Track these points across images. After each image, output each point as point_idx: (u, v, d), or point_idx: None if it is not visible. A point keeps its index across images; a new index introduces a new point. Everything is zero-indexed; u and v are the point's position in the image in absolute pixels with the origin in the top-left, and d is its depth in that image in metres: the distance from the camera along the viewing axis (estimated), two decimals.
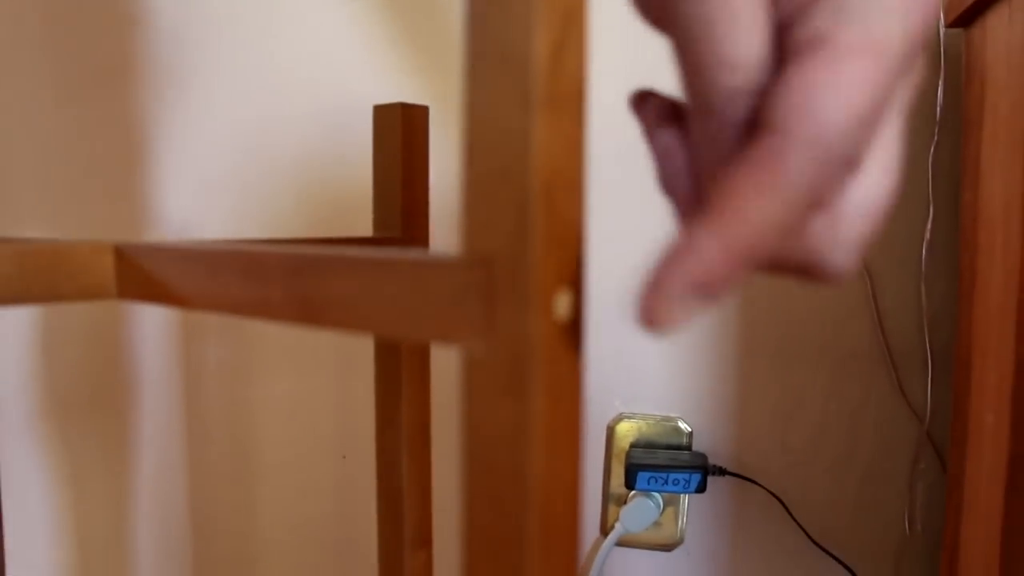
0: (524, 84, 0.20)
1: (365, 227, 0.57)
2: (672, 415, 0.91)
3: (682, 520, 0.91)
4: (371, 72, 0.92)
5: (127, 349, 1.00)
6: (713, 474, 0.88)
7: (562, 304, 0.21)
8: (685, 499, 0.90)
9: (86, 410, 1.02)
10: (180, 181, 0.96)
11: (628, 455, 0.88)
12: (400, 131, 0.49)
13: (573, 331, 0.21)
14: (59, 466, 1.03)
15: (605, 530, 0.93)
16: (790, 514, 0.88)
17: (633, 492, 0.89)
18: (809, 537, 0.88)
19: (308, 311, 0.28)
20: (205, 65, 0.97)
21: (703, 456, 0.88)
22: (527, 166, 0.20)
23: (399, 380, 0.53)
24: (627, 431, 0.91)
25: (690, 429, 0.90)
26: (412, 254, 0.24)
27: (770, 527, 0.90)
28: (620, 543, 0.91)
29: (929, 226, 0.85)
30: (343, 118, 0.93)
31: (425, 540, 0.57)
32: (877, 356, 0.87)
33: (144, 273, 0.39)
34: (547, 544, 0.22)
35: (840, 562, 0.88)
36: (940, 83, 0.83)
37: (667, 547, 0.92)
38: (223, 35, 0.96)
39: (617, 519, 0.90)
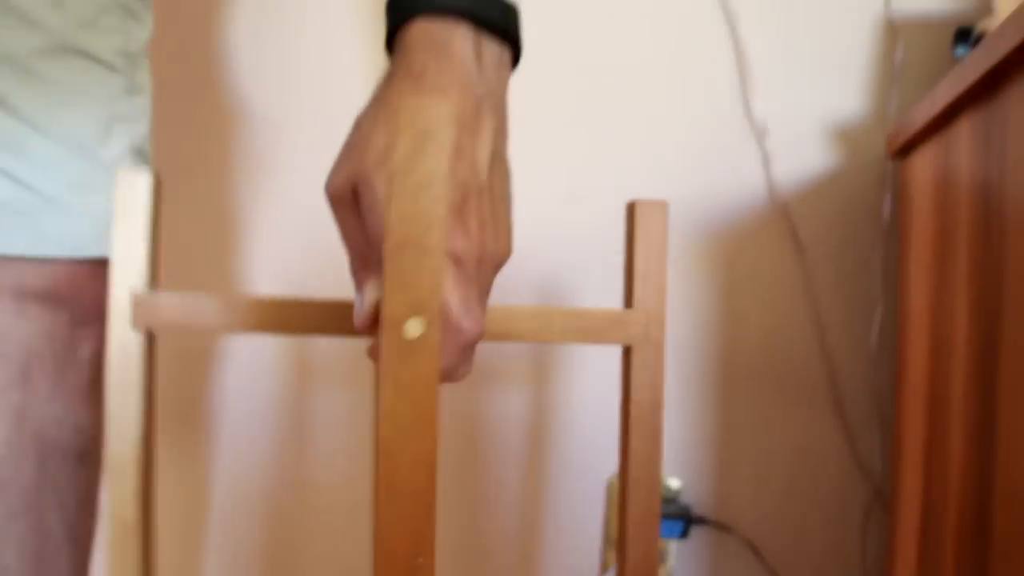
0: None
1: None
2: (664, 473, 1.07)
3: (670, 562, 1.07)
4: None
5: (216, 381, 1.19)
6: (695, 523, 1.04)
7: (412, 327, 0.34)
8: (672, 544, 1.07)
9: (171, 436, 1.20)
10: (265, 262, 1.15)
11: None
12: None
13: (422, 344, 0.34)
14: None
15: (604, 569, 1.09)
16: (762, 559, 1.05)
17: None
18: (776, 575, 1.04)
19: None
20: (291, 151, 1.17)
21: (687, 507, 1.05)
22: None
23: None
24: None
25: (678, 484, 1.07)
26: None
27: (745, 570, 1.06)
28: None
29: (878, 317, 1.02)
30: None
31: None
32: (837, 426, 1.03)
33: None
34: (395, 496, 0.35)
35: None
36: (887, 199, 1.01)
37: None
38: (308, 124, 1.16)
39: (613, 561, 1.06)
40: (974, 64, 0.64)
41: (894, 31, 1.02)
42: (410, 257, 0.34)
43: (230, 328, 0.48)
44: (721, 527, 1.06)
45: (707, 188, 1.07)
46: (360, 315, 0.45)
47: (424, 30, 0.47)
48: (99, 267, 0.80)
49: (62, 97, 0.76)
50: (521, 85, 1.12)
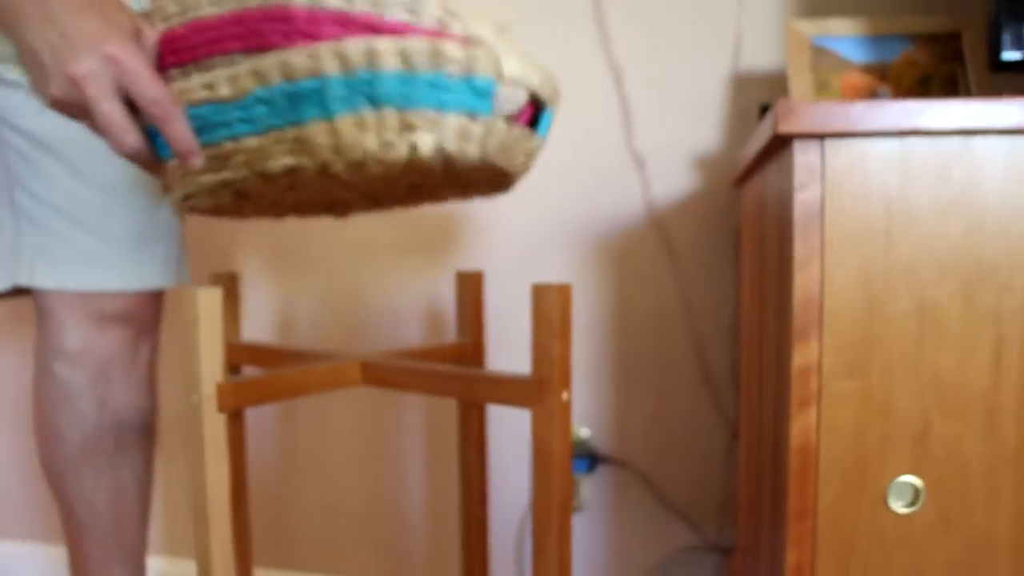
0: (555, 331, 0.71)
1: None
2: (576, 424, 1.42)
3: (584, 492, 1.43)
4: None
5: None
6: (599, 461, 1.40)
7: (564, 395, 0.72)
8: (583, 478, 1.42)
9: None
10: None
11: None
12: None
13: (568, 405, 0.72)
14: (167, 470, 1.54)
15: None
16: (650, 485, 1.40)
17: None
18: (662, 500, 1.40)
19: (466, 391, 0.79)
20: None
21: (593, 449, 1.40)
22: (554, 351, 0.71)
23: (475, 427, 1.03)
24: None
25: (587, 433, 1.42)
26: (517, 374, 0.76)
27: (638, 494, 1.41)
28: None
29: (731, 304, 1.37)
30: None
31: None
32: (704, 386, 1.39)
33: (378, 372, 0.87)
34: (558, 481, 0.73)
35: (683, 515, 1.40)
36: (737, 215, 1.36)
37: (575, 511, 1.43)
38: None
39: None
40: (755, 143, 0.98)
41: (739, 84, 1.36)
42: (561, 363, 0.70)
43: (303, 393, 0.80)
44: (619, 463, 1.42)
45: (599, 207, 1.40)
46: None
47: None
48: (156, 294, 1.12)
49: (128, 177, 1.07)
50: None
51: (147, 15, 0.67)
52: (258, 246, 1.54)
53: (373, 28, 0.61)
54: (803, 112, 0.72)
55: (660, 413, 1.41)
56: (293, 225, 1.51)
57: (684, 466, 1.41)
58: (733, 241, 1.37)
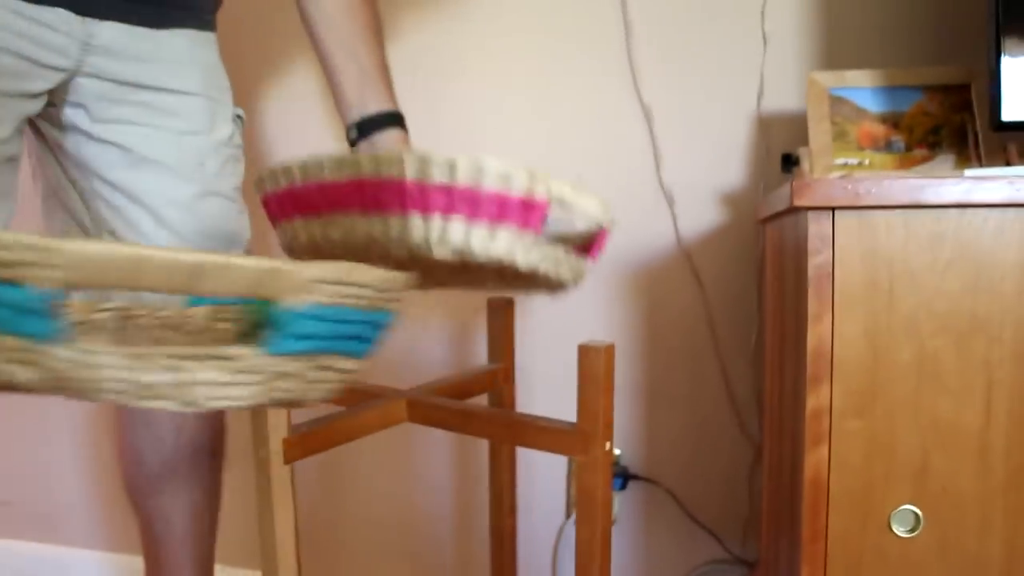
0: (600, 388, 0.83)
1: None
2: None
3: (616, 506, 1.54)
4: None
5: None
6: (631, 478, 1.51)
7: (607, 445, 0.83)
8: (615, 495, 1.53)
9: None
10: None
11: None
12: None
13: (610, 453, 0.84)
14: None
15: (568, 514, 1.56)
16: (679, 502, 1.52)
17: None
18: (690, 515, 1.51)
19: (511, 436, 0.90)
20: None
21: (625, 468, 1.51)
22: (599, 406, 0.83)
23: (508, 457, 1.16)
24: None
25: (618, 452, 1.53)
26: (562, 422, 0.88)
27: (667, 510, 1.53)
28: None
29: (755, 329, 1.48)
30: None
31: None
32: (729, 407, 1.50)
33: (422, 411, 0.99)
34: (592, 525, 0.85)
35: (709, 531, 1.51)
36: (760, 247, 1.47)
37: None
38: None
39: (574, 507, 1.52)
40: (776, 201, 1.09)
41: (763, 125, 1.47)
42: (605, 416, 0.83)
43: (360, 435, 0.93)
44: (649, 481, 1.53)
45: (632, 240, 1.52)
46: None
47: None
48: None
49: (204, 225, 1.20)
50: None
51: (273, 176, 0.77)
52: None
53: (473, 199, 0.68)
54: (816, 188, 0.83)
55: (688, 433, 1.52)
56: None
57: (710, 483, 1.52)
58: (757, 271, 1.48)
